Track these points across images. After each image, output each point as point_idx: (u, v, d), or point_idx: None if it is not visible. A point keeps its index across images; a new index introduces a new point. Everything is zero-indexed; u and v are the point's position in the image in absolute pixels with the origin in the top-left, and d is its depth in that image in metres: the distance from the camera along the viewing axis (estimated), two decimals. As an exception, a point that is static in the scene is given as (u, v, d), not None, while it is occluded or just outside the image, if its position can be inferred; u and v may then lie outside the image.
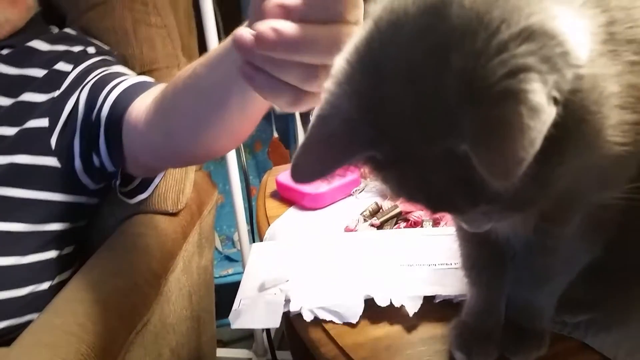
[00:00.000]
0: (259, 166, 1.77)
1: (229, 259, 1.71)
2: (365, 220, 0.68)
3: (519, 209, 0.31)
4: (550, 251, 0.40)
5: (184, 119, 0.59)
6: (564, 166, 0.29)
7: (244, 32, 0.37)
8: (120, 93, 0.70)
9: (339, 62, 0.32)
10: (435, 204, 0.33)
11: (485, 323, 0.44)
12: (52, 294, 0.68)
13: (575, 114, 0.28)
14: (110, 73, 0.75)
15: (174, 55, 0.91)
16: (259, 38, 0.35)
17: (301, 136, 1.50)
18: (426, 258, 0.56)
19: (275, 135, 1.71)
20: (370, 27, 0.31)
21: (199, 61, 0.54)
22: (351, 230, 0.67)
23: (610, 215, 0.37)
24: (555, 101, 0.26)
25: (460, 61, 0.27)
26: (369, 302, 0.50)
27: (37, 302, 0.69)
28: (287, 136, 1.69)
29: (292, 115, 1.57)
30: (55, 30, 0.86)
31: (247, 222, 1.29)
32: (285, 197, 0.78)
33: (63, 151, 0.73)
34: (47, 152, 0.72)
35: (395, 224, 0.67)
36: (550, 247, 0.39)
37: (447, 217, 0.64)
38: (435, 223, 0.65)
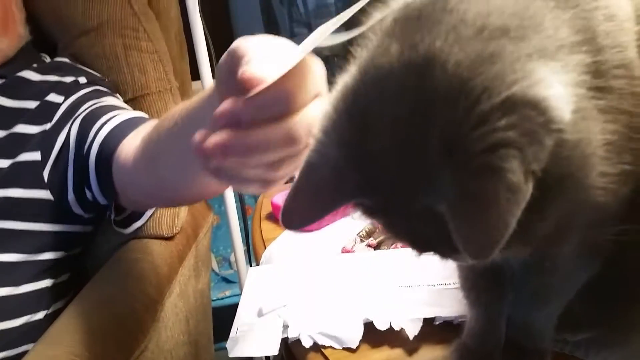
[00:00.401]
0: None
1: (226, 280, 1.70)
2: (362, 241, 0.68)
3: (503, 253, 0.31)
4: (549, 271, 0.40)
5: (169, 166, 0.57)
6: (545, 221, 0.30)
7: (200, 138, 0.35)
8: (110, 131, 0.69)
9: (326, 108, 0.32)
10: (421, 248, 0.33)
11: (486, 344, 0.44)
12: (47, 323, 0.68)
13: (557, 170, 0.28)
14: (102, 107, 0.74)
15: (166, 80, 0.91)
16: (210, 152, 0.34)
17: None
18: (424, 278, 0.56)
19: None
20: (357, 78, 0.31)
21: (181, 109, 0.53)
22: (348, 252, 0.67)
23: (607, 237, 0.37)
24: (534, 173, 0.26)
25: (442, 127, 0.27)
26: (369, 326, 0.49)
27: (33, 333, 0.68)
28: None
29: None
30: (47, 58, 0.86)
31: (243, 243, 1.28)
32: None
33: (56, 184, 0.72)
34: (39, 185, 0.72)
35: (392, 244, 0.67)
36: (548, 267, 0.39)
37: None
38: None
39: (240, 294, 0.62)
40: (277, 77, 0.33)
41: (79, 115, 0.74)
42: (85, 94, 0.78)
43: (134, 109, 0.87)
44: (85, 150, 0.71)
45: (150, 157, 0.60)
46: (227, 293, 1.55)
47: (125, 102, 0.86)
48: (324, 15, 2.28)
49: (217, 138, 0.34)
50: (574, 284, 0.41)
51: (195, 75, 1.09)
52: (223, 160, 0.35)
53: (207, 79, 1.11)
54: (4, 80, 0.77)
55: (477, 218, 0.26)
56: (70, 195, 0.73)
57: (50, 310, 0.74)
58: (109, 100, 0.77)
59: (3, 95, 0.75)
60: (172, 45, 0.97)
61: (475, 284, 0.45)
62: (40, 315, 0.72)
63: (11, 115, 0.74)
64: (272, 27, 2.18)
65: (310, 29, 2.21)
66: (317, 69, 0.36)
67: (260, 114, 0.35)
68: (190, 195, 0.63)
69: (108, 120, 0.70)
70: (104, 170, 0.68)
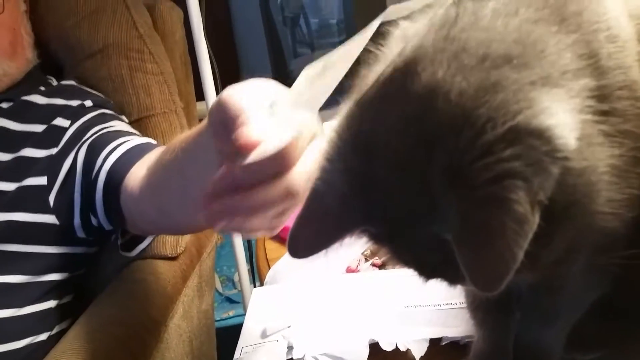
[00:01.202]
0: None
1: (229, 300, 1.69)
2: (366, 260, 0.68)
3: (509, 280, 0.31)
4: (557, 290, 0.39)
5: (172, 199, 0.58)
6: (552, 249, 0.29)
7: (205, 200, 0.37)
8: (118, 159, 0.69)
9: (331, 135, 0.32)
10: (428, 275, 0.33)
11: None
12: (51, 344, 0.67)
13: (563, 198, 0.28)
14: (109, 132, 0.75)
15: (171, 101, 0.92)
16: (215, 217, 0.36)
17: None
18: (430, 298, 0.55)
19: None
20: (361, 107, 0.31)
21: (181, 141, 0.53)
22: (353, 271, 0.66)
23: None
24: (540, 203, 0.26)
25: (445, 157, 0.27)
26: (374, 347, 0.49)
27: (36, 354, 0.68)
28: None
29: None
30: (53, 81, 0.87)
31: (247, 262, 1.28)
32: (285, 238, 0.77)
33: (62, 209, 0.72)
34: (45, 210, 0.72)
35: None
36: (556, 287, 0.39)
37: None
38: (438, 261, 0.64)
39: (244, 314, 0.62)
40: (274, 150, 0.34)
41: (85, 141, 0.74)
42: (92, 117, 0.78)
43: (139, 129, 0.88)
44: (92, 177, 0.71)
45: (154, 189, 0.60)
46: (231, 313, 1.54)
47: (131, 123, 0.87)
48: (326, 36, 2.30)
49: (220, 206, 0.36)
50: (582, 302, 0.41)
51: (200, 96, 1.10)
52: (229, 223, 0.37)
53: (212, 100, 1.12)
54: (11, 104, 0.78)
55: (483, 251, 0.26)
56: (77, 221, 0.73)
57: (53, 332, 0.73)
58: (115, 125, 0.78)
59: (10, 119, 0.76)
60: (177, 67, 0.98)
61: (482, 305, 0.44)
62: (43, 336, 0.72)
63: (18, 138, 0.74)
64: (275, 47, 2.21)
65: (313, 49, 2.24)
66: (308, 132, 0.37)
67: (259, 177, 0.36)
68: (194, 226, 0.63)
69: (116, 147, 0.70)
70: (112, 199, 0.68)
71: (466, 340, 0.48)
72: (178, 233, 0.81)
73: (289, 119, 0.35)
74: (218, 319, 1.49)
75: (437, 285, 0.57)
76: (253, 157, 0.34)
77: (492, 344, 0.44)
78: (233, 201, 0.36)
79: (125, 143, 0.71)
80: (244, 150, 0.34)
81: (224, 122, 0.37)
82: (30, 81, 0.82)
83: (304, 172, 0.36)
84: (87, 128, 0.76)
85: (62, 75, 0.92)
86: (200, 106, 1.09)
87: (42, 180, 0.72)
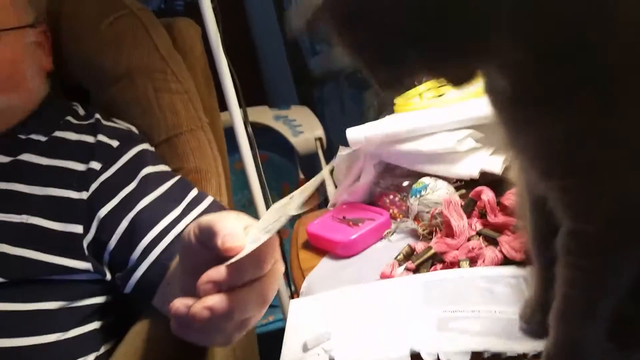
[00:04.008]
0: (288, 207, 1.78)
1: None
2: (400, 265, 0.68)
3: None
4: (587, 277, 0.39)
5: None
6: None
7: (179, 305, 0.42)
8: (155, 260, 0.72)
9: None
10: None
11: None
12: None
13: None
14: (146, 211, 0.75)
15: (197, 118, 0.93)
16: (196, 317, 0.41)
17: (328, 178, 1.51)
18: (468, 303, 0.55)
19: (302, 176, 1.72)
20: None
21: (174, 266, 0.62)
22: (387, 277, 0.67)
23: None
24: None
25: None
26: (416, 357, 0.49)
27: None
28: (313, 176, 1.70)
29: (317, 156, 1.59)
30: (78, 108, 0.87)
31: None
32: (318, 247, 0.78)
33: (94, 260, 0.73)
34: (81, 257, 0.72)
35: (431, 266, 0.66)
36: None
37: (483, 256, 0.63)
38: (473, 262, 0.64)
39: (283, 319, 0.63)
40: (254, 247, 0.41)
41: (118, 209, 0.74)
42: (120, 169, 0.77)
43: (169, 148, 0.90)
44: (129, 263, 0.73)
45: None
46: (271, 319, 1.56)
47: (160, 142, 0.89)
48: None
49: (204, 302, 0.41)
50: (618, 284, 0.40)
51: (224, 110, 1.11)
52: (208, 322, 0.41)
53: (235, 110, 1.14)
54: (43, 140, 0.78)
55: None
56: (109, 276, 0.75)
57: (100, 352, 0.75)
58: (148, 181, 0.77)
59: (41, 155, 0.76)
60: (199, 83, 0.99)
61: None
62: (91, 357, 0.73)
63: (49, 174, 0.75)
64: (293, 47, 2.21)
65: (331, 44, 2.23)
66: (276, 240, 0.44)
67: (240, 279, 0.42)
68: None
69: (155, 242, 0.73)
70: (147, 293, 0.72)
71: (509, 354, 0.48)
72: None
73: (260, 237, 0.42)
74: (258, 325, 1.51)
75: (474, 290, 0.57)
76: (236, 257, 0.41)
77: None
78: (212, 302, 0.41)
79: (167, 237, 0.73)
80: (228, 252, 0.41)
81: (202, 240, 0.44)
82: (51, 111, 0.82)
83: (272, 283, 0.44)
84: (117, 185, 0.75)
85: (87, 100, 0.93)
86: (225, 116, 1.11)
87: (77, 228, 0.73)
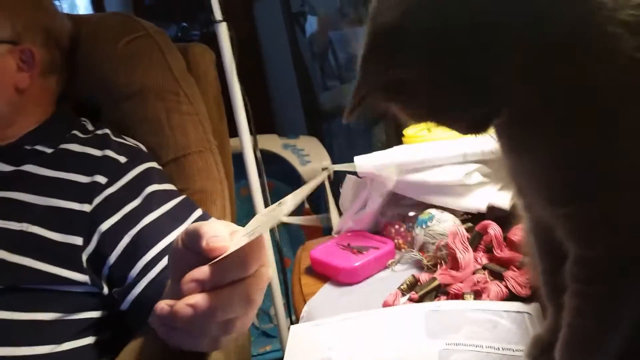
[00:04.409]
0: (292, 236, 1.78)
1: (266, 334, 1.68)
2: (403, 295, 0.67)
3: None
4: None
5: None
6: None
7: (163, 305, 0.43)
8: (155, 278, 0.71)
9: None
10: None
11: None
12: None
13: None
14: (148, 229, 0.74)
15: (206, 140, 0.94)
16: (178, 315, 0.41)
17: (332, 205, 1.51)
18: (471, 338, 0.54)
19: (307, 206, 1.72)
20: None
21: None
22: (390, 305, 0.65)
23: None
24: None
25: None
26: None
27: None
28: (319, 206, 1.70)
29: (323, 186, 1.59)
30: (87, 123, 0.88)
31: (283, 296, 1.28)
32: (320, 273, 0.77)
33: (92, 273, 0.73)
34: (79, 269, 0.72)
35: (435, 297, 0.65)
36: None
37: (488, 290, 0.62)
38: (477, 296, 0.63)
39: (281, 349, 0.62)
40: (237, 248, 0.41)
41: (120, 225, 0.73)
42: (126, 185, 0.77)
43: (176, 168, 0.90)
44: (127, 281, 0.72)
45: None
46: (268, 348, 1.53)
47: (167, 162, 0.89)
48: (354, 68, 2.33)
49: (186, 300, 0.41)
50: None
51: (234, 133, 1.12)
52: (191, 320, 0.41)
53: (245, 136, 1.15)
54: (50, 151, 0.79)
55: None
56: (106, 290, 0.74)
57: None
58: (153, 198, 0.77)
59: (45, 166, 0.77)
60: (210, 107, 1.01)
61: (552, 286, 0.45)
62: None
63: (54, 185, 0.75)
64: (305, 82, 2.25)
65: (342, 81, 2.27)
66: (263, 243, 0.44)
67: (223, 279, 0.42)
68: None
69: (156, 259, 0.72)
70: (143, 311, 0.69)
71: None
72: None
73: (244, 239, 0.42)
74: (255, 354, 1.48)
75: (477, 323, 0.56)
76: (221, 257, 0.41)
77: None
78: (195, 300, 0.41)
79: (166, 257, 0.71)
80: (212, 252, 0.42)
81: (189, 245, 0.44)
82: (59, 124, 0.84)
83: (258, 284, 0.44)
84: (122, 201, 0.75)
85: (98, 117, 0.94)
86: (233, 142, 1.11)
87: (77, 240, 0.72)
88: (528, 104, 0.37)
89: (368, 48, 0.38)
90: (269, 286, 1.26)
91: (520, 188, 0.43)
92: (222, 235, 0.43)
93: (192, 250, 0.44)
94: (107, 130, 0.86)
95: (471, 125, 0.40)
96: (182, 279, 0.42)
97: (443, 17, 0.35)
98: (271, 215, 0.45)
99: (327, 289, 0.73)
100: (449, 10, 0.35)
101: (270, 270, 0.46)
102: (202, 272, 0.42)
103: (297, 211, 1.78)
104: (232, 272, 0.43)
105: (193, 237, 0.44)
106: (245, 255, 0.42)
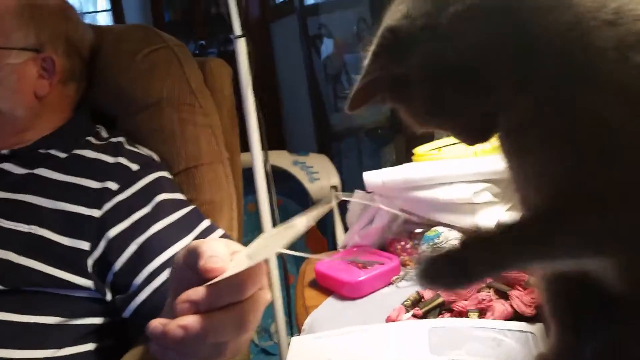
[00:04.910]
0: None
1: (265, 352, 1.66)
2: (407, 311, 0.67)
3: None
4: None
5: None
6: None
7: (156, 324, 0.42)
8: (159, 287, 0.71)
9: None
10: None
11: None
12: None
13: None
14: (156, 237, 0.75)
15: (218, 152, 0.95)
16: (169, 336, 0.40)
17: (339, 225, 1.51)
18: (475, 355, 0.54)
19: (313, 223, 1.72)
20: None
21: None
22: (393, 321, 0.65)
23: None
24: None
25: None
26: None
27: None
28: (325, 225, 1.70)
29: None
30: (102, 130, 0.89)
31: (285, 314, 1.27)
32: (324, 286, 0.77)
33: (97, 279, 0.73)
34: (83, 274, 0.72)
35: (438, 314, 0.65)
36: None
37: (492, 308, 0.62)
38: (482, 314, 0.62)
39: (280, 365, 0.62)
40: (236, 270, 0.41)
41: (130, 231, 0.74)
42: (138, 192, 0.78)
43: (187, 178, 0.91)
44: (132, 287, 0.72)
45: None
46: (268, 365, 1.51)
47: (179, 172, 0.90)
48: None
49: (178, 321, 0.41)
50: None
51: (245, 147, 1.13)
52: (181, 342, 0.40)
53: (257, 151, 1.16)
54: (65, 155, 0.80)
55: None
56: (109, 296, 0.74)
57: None
58: (162, 207, 0.78)
59: (58, 171, 0.78)
60: (224, 121, 1.02)
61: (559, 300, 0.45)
62: None
63: (65, 189, 0.76)
64: (317, 103, 2.27)
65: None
66: (262, 267, 0.43)
67: (218, 302, 0.42)
68: None
69: (160, 269, 0.72)
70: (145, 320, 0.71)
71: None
72: None
73: (244, 262, 0.42)
74: (254, 370, 1.46)
75: (479, 342, 0.56)
76: (217, 279, 0.41)
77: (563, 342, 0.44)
78: (187, 321, 0.41)
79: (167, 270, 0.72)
80: (208, 274, 0.41)
81: (189, 263, 0.44)
82: (74, 130, 0.85)
83: (253, 310, 0.43)
84: (131, 208, 0.76)
85: (114, 125, 0.95)
86: (244, 157, 1.13)
87: (84, 245, 0.73)
88: (525, 113, 0.37)
89: (377, 44, 0.40)
90: (271, 302, 1.26)
91: (523, 199, 0.44)
92: (221, 255, 0.43)
93: (191, 269, 0.43)
94: (122, 139, 0.87)
95: (470, 130, 0.40)
96: (177, 299, 0.42)
97: (440, 30, 0.37)
98: (277, 237, 0.44)
99: (330, 302, 0.73)
100: (448, 29, 0.37)
101: (268, 293, 0.45)
102: (197, 292, 0.42)
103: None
104: (227, 296, 0.42)
105: (193, 256, 0.44)
106: (242, 278, 0.42)
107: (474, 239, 0.39)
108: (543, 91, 0.36)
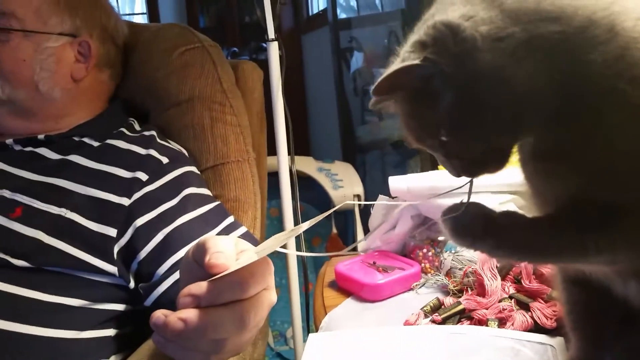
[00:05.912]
0: (316, 260, 1.78)
1: (280, 356, 1.66)
2: (426, 316, 0.66)
3: None
4: None
5: None
6: None
7: (159, 315, 0.42)
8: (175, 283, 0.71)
9: None
10: None
11: None
12: None
13: None
14: (185, 227, 0.76)
15: (245, 151, 0.97)
16: (168, 327, 0.41)
17: (360, 232, 1.51)
18: None
19: (334, 230, 1.72)
20: None
21: None
22: (411, 325, 0.65)
23: None
24: None
25: None
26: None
27: None
28: (346, 232, 1.70)
29: (352, 212, 1.59)
30: (135, 123, 0.92)
31: (303, 320, 1.27)
32: (344, 287, 0.77)
33: (122, 266, 0.75)
34: (109, 260, 0.74)
35: (458, 321, 0.65)
36: None
37: (513, 318, 0.61)
38: (502, 324, 0.62)
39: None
40: (237, 268, 0.41)
41: (157, 221, 0.75)
42: (167, 183, 0.80)
43: (214, 175, 0.93)
44: (155, 277, 0.74)
45: None
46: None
47: (207, 168, 0.92)
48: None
49: (179, 314, 0.41)
50: None
51: (272, 149, 1.15)
52: (180, 335, 0.41)
53: (283, 155, 1.17)
54: (98, 144, 0.83)
55: None
56: (132, 284, 0.75)
57: None
58: (189, 200, 0.79)
59: (90, 158, 0.80)
60: (253, 121, 1.04)
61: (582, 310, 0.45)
62: None
63: (96, 177, 0.78)
64: (344, 114, 2.29)
65: (381, 117, 2.30)
66: (269, 267, 0.44)
67: (219, 298, 0.42)
68: None
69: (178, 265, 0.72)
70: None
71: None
72: None
73: (249, 259, 0.42)
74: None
75: (498, 352, 0.55)
76: (220, 275, 0.41)
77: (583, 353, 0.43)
78: (187, 315, 0.41)
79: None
80: (212, 270, 0.41)
81: (197, 258, 0.44)
82: (108, 121, 0.89)
83: (255, 309, 0.43)
84: (159, 199, 0.77)
85: (147, 119, 0.98)
86: (270, 160, 1.14)
87: (112, 232, 0.74)
88: (546, 141, 0.38)
89: (426, 34, 0.38)
90: (290, 307, 1.26)
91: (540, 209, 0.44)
92: (227, 252, 0.43)
93: (198, 263, 0.44)
94: (154, 132, 0.89)
95: (482, 158, 0.42)
96: (180, 292, 0.42)
97: (505, 46, 0.36)
98: (285, 239, 0.44)
99: (349, 303, 0.73)
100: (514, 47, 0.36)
101: (274, 295, 0.45)
102: (199, 287, 0.42)
103: (323, 236, 1.78)
104: (228, 293, 0.42)
105: (200, 250, 0.44)
106: (245, 277, 0.42)
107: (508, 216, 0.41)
108: (585, 121, 0.36)
